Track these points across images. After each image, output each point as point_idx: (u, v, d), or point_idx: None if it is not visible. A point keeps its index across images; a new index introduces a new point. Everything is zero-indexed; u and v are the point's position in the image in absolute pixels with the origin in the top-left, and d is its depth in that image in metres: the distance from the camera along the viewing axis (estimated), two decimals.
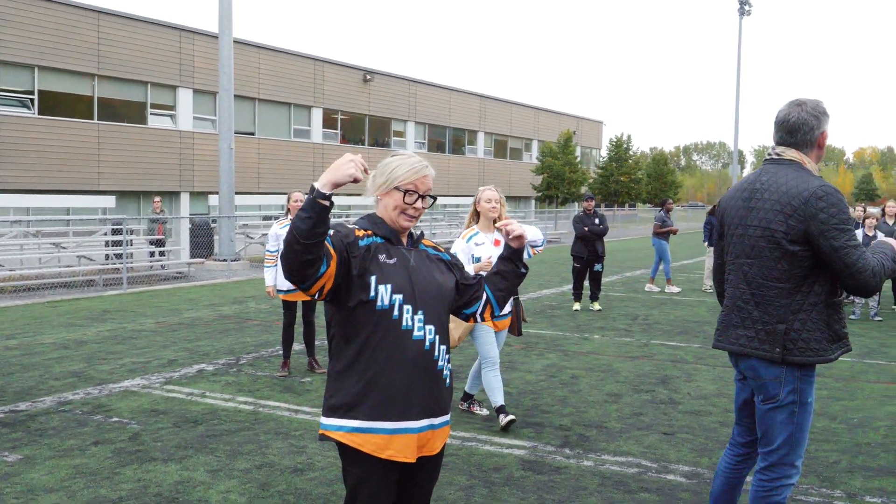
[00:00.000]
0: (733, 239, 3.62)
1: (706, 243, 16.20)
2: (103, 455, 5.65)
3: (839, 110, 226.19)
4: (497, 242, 6.22)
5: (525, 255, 3.05)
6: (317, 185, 2.61)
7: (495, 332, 6.50)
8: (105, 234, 19.48)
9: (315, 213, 2.58)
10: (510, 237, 3.07)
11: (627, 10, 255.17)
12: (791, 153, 3.51)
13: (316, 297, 2.80)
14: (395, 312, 2.86)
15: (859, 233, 12.76)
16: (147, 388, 7.69)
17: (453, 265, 3.15)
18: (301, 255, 2.62)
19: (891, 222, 13.55)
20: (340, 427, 2.88)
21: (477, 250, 6.22)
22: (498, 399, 6.34)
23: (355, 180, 2.66)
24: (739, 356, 3.61)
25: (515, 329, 6.91)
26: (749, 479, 3.87)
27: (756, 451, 3.77)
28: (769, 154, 3.62)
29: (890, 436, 6.30)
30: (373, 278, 2.84)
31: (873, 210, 14.13)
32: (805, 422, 3.48)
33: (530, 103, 53.99)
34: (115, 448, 5.81)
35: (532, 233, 5.83)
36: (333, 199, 2.65)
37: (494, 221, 6.21)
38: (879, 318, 12.50)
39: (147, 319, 12.13)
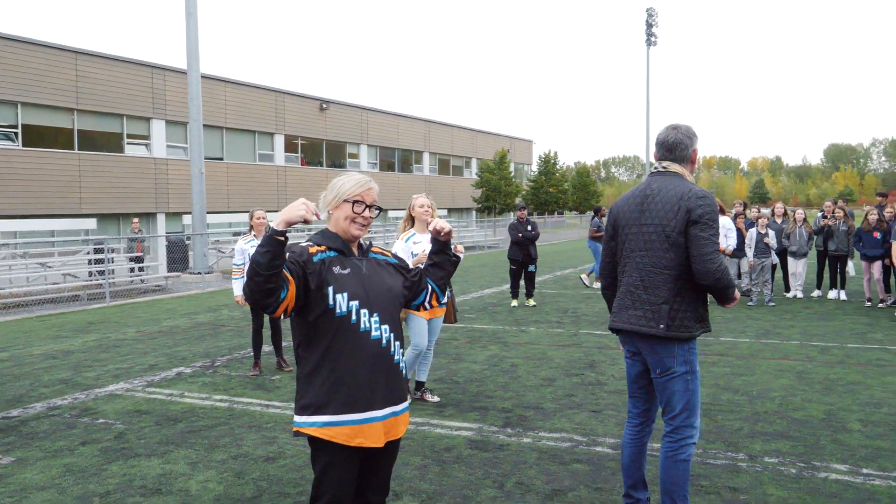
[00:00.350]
0: (628, 237, 3.81)
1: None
2: (91, 454, 5.51)
3: (735, 124, 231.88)
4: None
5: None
6: (272, 224, 2.67)
7: (431, 320, 6.63)
8: (88, 253, 19.04)
9: (272, 248, 2.61)
10: (441, 234, 3.12)
11: (553, 44, 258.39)
12: (674, 167, 3.78)
13: (282, 317, 2.81)
14: (353, 317, 2.87)
15: (753, 231, 13.10)
16: (130, 391, 7.52)
17: (400, 267, 3.19)
18: (263, 285, 2.65)
19: (779, 221, 13.94)
20: (313, 423, 2.87)
21: (415, 248, 6.44)
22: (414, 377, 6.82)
23: (305, 221, 2.69)
24: (635, 336, 3.78)
25: (452, 317, 6.95)
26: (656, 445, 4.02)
27: (650, 420, 3.98)
28: (655, 168, 3.87)
29: (784, 405, 6.47)
30: (330, 289, 2.85)
31: (766, 211, 14.49)
32: (697, 387, 3.74)
33: (469, 126, 54.16)
34: (102, 447, 5.67)
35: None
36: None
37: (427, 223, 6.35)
38: (773, 304, 12.81)
39: (129, 329, 11.86)
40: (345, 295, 2.86)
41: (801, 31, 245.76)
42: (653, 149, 3.97)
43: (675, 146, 3.78)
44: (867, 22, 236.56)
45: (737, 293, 3.70)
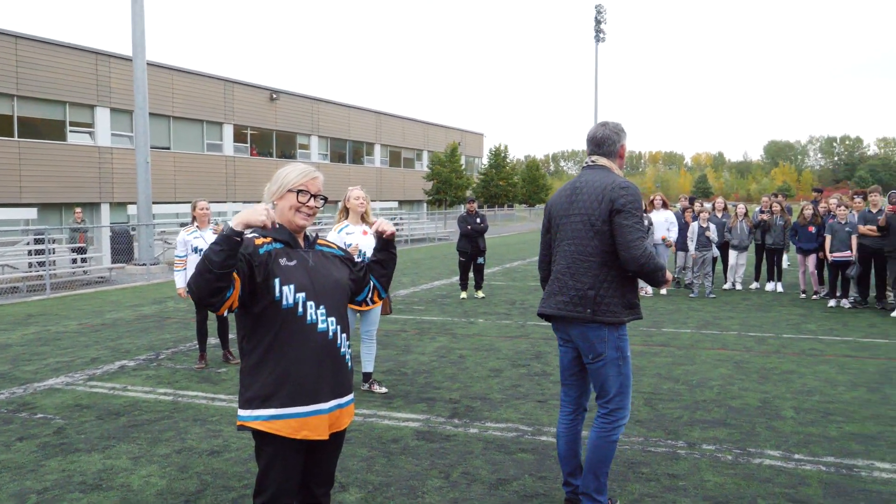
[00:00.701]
0: (559, 228, 3.97)
1: None
2: (28, 450, 5.34)
3: (680, 121, 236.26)
4: (364, 233, 6.58)
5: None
6: (231, 223, 2.62)
7: (367, 312, 6.70)
8: (28, 243, 18.41)
9: (228, 247, 2.58)
10: (385, 234, 3.14)
11: (505, 39, 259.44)
12: (602, 161, 3.94)
13: (225, 314, 2.77)
14: (300, 309, 2.84)
15: (695, 225, 13.39)
16: (71, 385, 7.31)
17: (346, 259, 3.16)
18: (213, 283, 2.60)
19: (720, 215, 14.26)
20: (258, 416, 2.83)
21: (348, 238, 6.57)
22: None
23: (264, 226, 2.67)
24: (567, 323, 3.89)
25: (387, 308, 6.98)
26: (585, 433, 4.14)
27: (582, 408, 4.12)
28: (587, 163, 4.02)
29: (722, 393, 6.63)
30: (276, 280, 2.81)
31: (707, 205, 14.80)
32: (629, 371, 3.87)
33: (421, 118, 53.99)
34: (40, 442, 5.50)
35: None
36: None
37: (362, 216, 6.66)
38: (713, 296, 13.11)
39: (70, 322, 11.53)
40: (291, 287, 2.83)
41: (744, 32, 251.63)
42: None
43: (603, 142, 3.95)
44: (804, 25, 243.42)
45: (668, 275, 3.79)
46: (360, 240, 6.51)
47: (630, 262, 3.67)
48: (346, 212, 6.75)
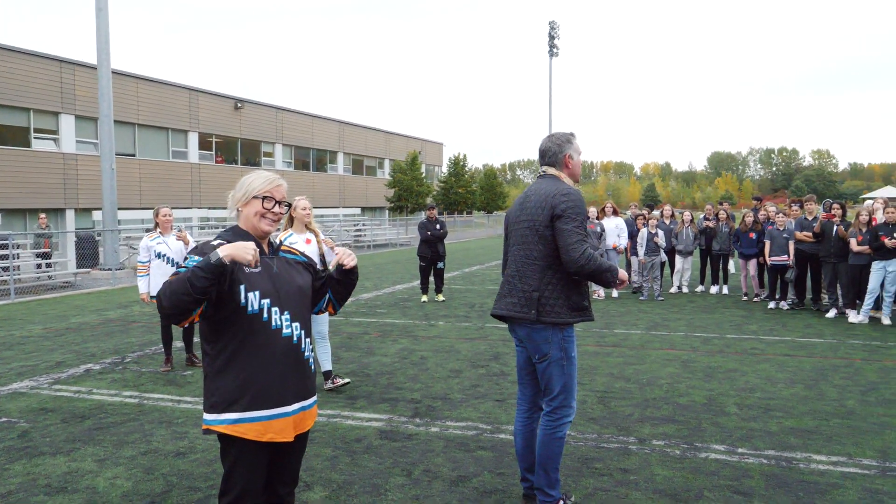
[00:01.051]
0: (512, 234, 4.07)
1: None
2: None
3: (631, 132, 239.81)
4: (308, 241, 6.59)
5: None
6: (220, 254, 2.59)
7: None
8: None
9: (213, 277, 2.58)
10: (346, 266, 3.08)
11: (464, 53, 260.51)
12: (551, 170, 4.04)
13: (187, 325, 2.73)
14: (265, 315, 2.81)
15: (644, 231, 13.59)
16: (35, 388, 7.11)
17: (309, 266, 3.13)
18: (188, 305, 2.57)
19: (668, 222, 14.50)
20: (224, 420, 2.79)
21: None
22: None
23: (249, 264, 2.66)
24: (515, 324, 3.95)
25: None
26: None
27: (537, 406, 4.14)
28: (539, 173, 4.13)
29: (670, 391, 6.73)
30: (241, 287, 2.78)
31: (656, 213, 15.06)
32: (573, 371, 3.89)
33: (383, 128, 53.86)
34: (4, 446, 5.34)
35: (329, 254, 6.61)
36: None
37: (306, 225, 6.69)
38: (662, 298, 13.32)
39: (35, 326, 11.22)
40: (256, 293, 2.80)
41: (690, 49, 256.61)
42: None
43: (546, 152, 4.05)
44: (745, 44, 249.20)
45: (622, 274, 3.82)
46: (303, 248, 6.50)
47: (570, 265, 3.72)
48: (290, 221, 6.79)
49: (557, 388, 3.87)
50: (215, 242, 2.84)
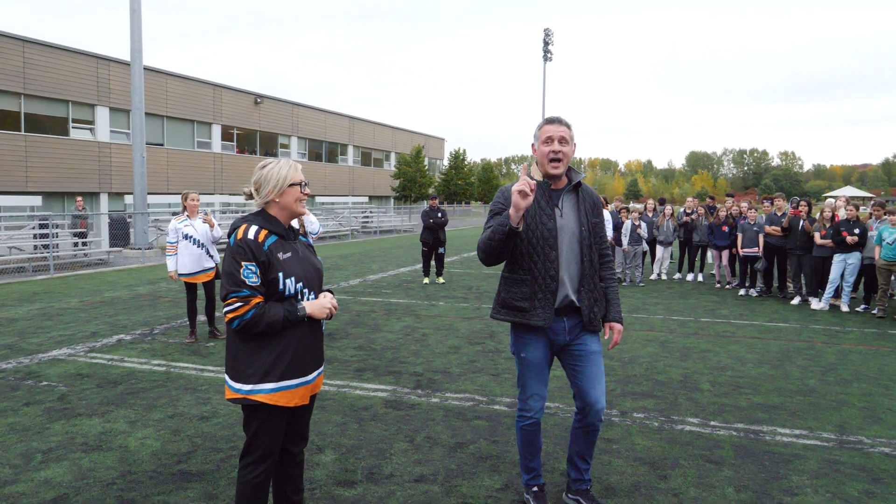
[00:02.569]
0: None
1: None
2: (34, 413, 5.19)
3: (616, 130, 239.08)
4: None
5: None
6: (307, 309, 2.82)
7: None
8: (33, 227, 17.84)
9: (293, 323, 2.79)
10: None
11: (464, 55, 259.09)
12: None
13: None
14: (300, 297, 2.85)
15: (628, 223, 13.56)
16: (73, 356, 7.12)
17: (312, 246, 3.17)
18: (257, 331, 2.74)
19: (650, 215, 14.47)
20: (260, 390, 2.78)
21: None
22: None
23: (327, 317, 2.89)
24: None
25: None
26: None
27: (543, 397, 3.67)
28: None
29: (650, 369, 6.74)
30: (280, 275, 2.78)
31: (638, 206, 15.02)
32: (520, 371, 3.50)
33: (389, 123, 53.63)
34: (45, 407, 5.35)
35: (310, 223, 7.14)
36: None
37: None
38: (643, 285, 13.32)
39: (72, 299, 11.22)
40: (293, 279, 2.81)
41: (671, 57, 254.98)
42: None
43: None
44: (721, 54, 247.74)
45: (514, 199, 3.02)
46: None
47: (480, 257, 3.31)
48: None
49: (518, 381, 3.60)
50: (253, 229, 2.79)
